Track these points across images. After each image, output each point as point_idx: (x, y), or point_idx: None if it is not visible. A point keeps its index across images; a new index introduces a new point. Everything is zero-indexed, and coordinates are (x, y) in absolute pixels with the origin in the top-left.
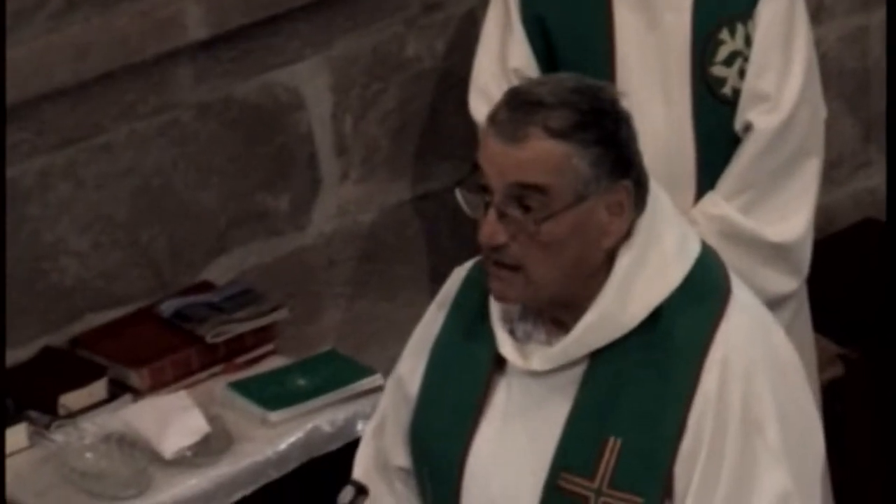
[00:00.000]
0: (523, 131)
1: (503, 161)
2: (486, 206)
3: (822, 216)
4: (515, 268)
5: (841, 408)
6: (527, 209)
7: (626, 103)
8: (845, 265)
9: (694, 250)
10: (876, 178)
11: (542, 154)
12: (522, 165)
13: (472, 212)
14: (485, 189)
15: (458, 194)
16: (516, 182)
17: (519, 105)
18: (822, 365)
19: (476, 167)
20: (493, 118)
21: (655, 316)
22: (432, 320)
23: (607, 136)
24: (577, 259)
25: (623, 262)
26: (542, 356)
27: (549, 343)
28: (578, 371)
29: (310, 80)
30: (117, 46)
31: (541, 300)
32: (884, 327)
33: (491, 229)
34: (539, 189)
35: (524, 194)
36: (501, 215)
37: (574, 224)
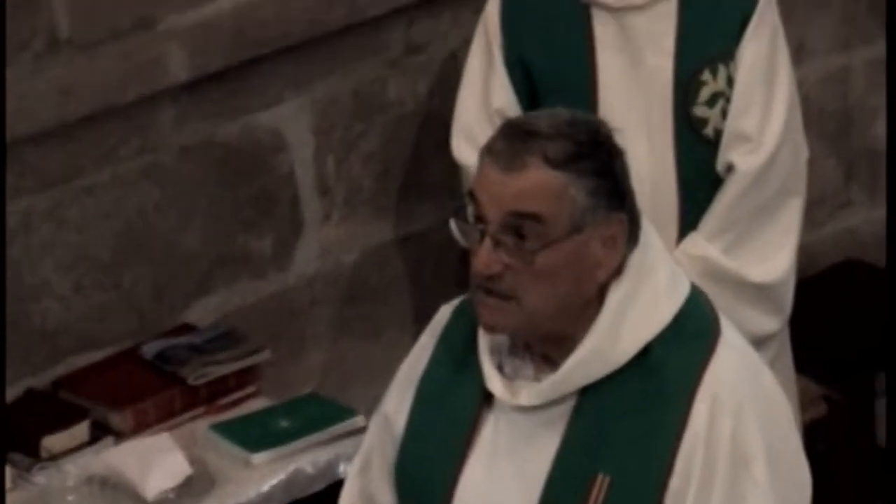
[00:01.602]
0: (521, 160)
1: (500, 190)
2: (481, 235)
3: (804, 256)
4: (508, 297)
5: (823, 448)
6: (523, 238)
7: (621, 139)
8: (827, 305)
9: (684, 287)
10: (856, 218)
11: (541, 183)
12: (520, 194)
13: (466, 242)
14: (480, 219)
15: (453, 225)
16: (513, 211)
17: (517, 135)
18: (805, 405)
19: (471, 197)
20: (489, 148)
21: (645, 353)
22: (419, 356)
23: (604, 168)
24: (571, 291)
25: (614, 297)
26: (531, 391)
27: (537, 379)
28: (567, 406)
29: (292, 122)
30: (100, 89)
31: (532, 332)
32: (866, 368)
33: (486, 259)
34: (536, 218)
35: (521, 223)
36: (497, 244)
37: (569, 254)
